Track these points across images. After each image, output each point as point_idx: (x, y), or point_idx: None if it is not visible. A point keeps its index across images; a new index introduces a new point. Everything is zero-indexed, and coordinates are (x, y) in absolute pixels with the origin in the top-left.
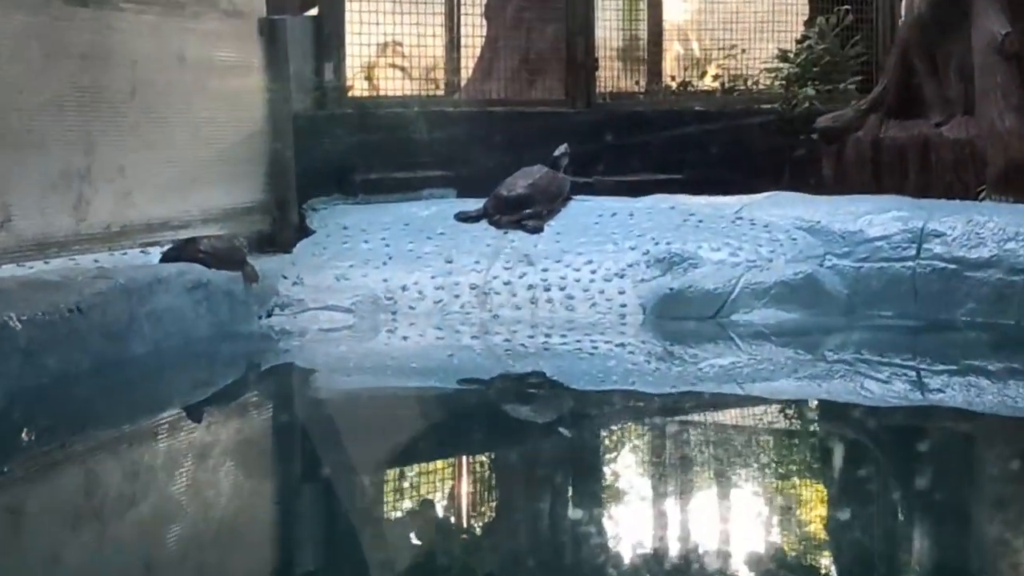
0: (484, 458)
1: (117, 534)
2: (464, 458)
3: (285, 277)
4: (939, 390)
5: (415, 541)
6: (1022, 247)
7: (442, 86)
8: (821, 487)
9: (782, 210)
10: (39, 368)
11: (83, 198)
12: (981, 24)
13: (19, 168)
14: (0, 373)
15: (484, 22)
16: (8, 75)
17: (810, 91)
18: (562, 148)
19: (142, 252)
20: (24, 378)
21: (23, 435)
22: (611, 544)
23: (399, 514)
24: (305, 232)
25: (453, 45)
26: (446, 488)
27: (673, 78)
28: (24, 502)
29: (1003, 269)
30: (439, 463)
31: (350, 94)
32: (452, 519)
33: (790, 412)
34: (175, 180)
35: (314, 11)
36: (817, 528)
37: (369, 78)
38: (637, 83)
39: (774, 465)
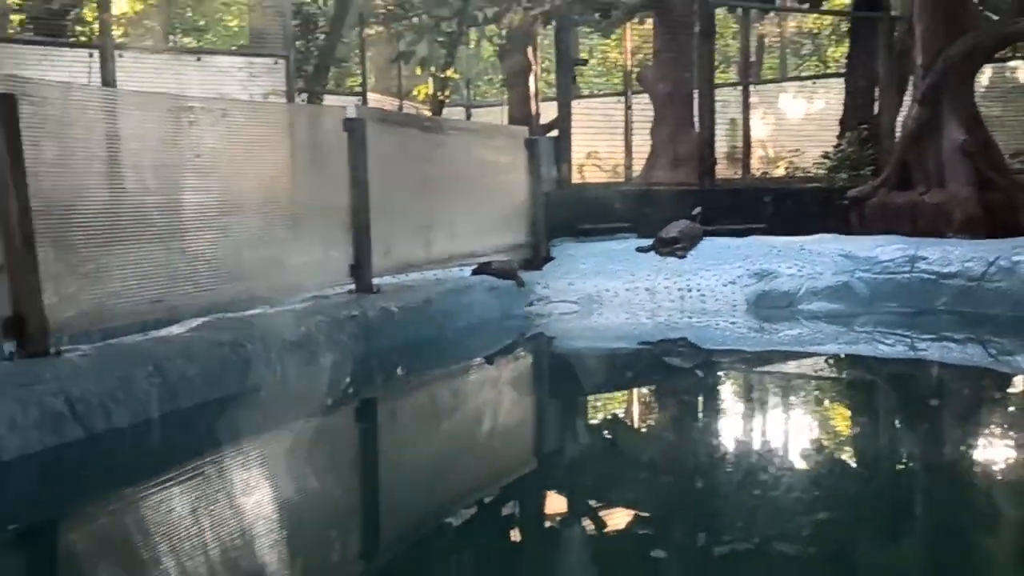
0: (654, 386)
1: (459, 426)
2: (644, 385)
3: (538, 283)
4: (924, 349)
5: (620, 431)
6: (975, 265)
7: (623, 175)
8: (849, 405)
9: (828, 245)
10: (407, 335)
11: (429, 240)
12: (948, 134)
13: (396, 224)
14: (388, 338)
15: (649, 136)
16: (411, 173)
17: (843, 175)
18: (697, 209)
19: (460, 269)
20: (397, 341)
21: (397, 371)
22: (725, 431)
23: (611, 412)
24: (549, 258)
25: (629, 151)
26: (638, 400)
27: (758, 169)
28: (401, 409)
29: (964, 278)
30: (630, 388)
31: (572, 181)
32: (639, 421)
33: (833, 361)
34: (479, 229)
35: (554, 133)
36: (844, 428)
37: (581, 172)
38: (736, 172)
39: (824, 390)
